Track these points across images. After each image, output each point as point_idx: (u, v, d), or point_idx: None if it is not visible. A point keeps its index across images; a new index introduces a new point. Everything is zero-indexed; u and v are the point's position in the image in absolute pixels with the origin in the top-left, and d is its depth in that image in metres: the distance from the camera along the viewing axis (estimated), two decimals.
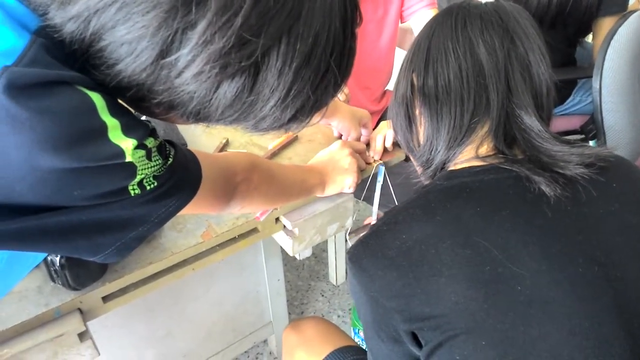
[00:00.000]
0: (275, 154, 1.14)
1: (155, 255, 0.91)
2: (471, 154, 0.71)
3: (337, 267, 1.80)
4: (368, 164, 1.11)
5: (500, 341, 0.58)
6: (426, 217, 0.65)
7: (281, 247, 1.18)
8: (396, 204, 1.24)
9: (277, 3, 0.41)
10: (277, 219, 1.03)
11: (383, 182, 1.11)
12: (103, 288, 0.86)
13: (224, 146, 1.17)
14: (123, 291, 0.90)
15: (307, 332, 1.05)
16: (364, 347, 1.06)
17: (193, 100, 0.44)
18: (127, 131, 0.44)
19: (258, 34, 0.41)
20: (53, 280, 0.84)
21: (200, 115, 0.46)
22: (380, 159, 1.12)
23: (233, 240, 0.99)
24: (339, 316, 1.74)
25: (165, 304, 1.26)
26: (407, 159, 1.20)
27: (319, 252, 1.99)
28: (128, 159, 0.45)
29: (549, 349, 0.58)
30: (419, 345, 0.66)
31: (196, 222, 0.98)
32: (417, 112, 0.78)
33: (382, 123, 1.14)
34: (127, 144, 0.45)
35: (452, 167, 0.73)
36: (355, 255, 0.69)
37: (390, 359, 0.74)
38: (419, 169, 0.84)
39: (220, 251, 0.98)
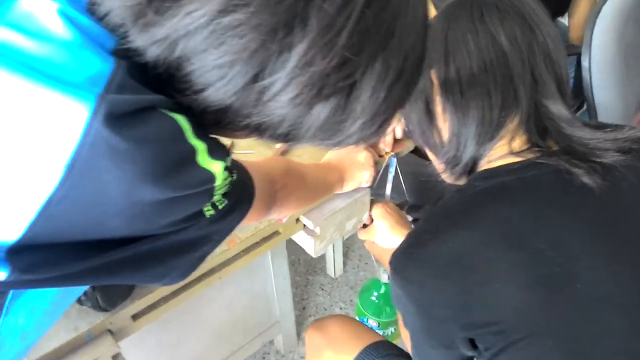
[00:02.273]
0: (285, 152, 1.12)
1: None
2: (505, 150, 0.71)
3: (334, 260, 1.80)
4: (380, 156, 1.10)
5: (566, 341, 0.59)
6: (471, 223, 0.65)
7: (300, 245, 1.17)
8: (406, 196, 1.26)
9: (376, 20, 0.39)
10: (297, 220, 1.01)
11: (394, 174, 1.11)
12: (132, 306, 0.83)
13: (230, 147, 1.14)
14: (152, 307, 0.87)
15: (333, 331, 1.04)
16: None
17: (284, 122, 0.42)
18: (213, 154, 0.42)
19: (358, 52, 0.39)
20: (80, 302, 0.81)
21: (289, 137, 0.44)
22: (391, 150, 1.12)
23: (256, 244, 0.97)
24: (341, 308, 1.75)
25: (178, 313, 1.22)
26: (417, 154, 1.20)
27: None
28: (218, 182, 0.43)
29: (614, 344, 0.59)
30: (475, 347, 0.66)
31: None
32: (438, 108, 0.75)
33: None
34: (217, 167, 0.43)
35: (485, 165, 0.72)
36: (399, 267, 0.68)
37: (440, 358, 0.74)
38: (440, 167, 0.81)
39: (244, 257, 0.96)
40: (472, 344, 0.65)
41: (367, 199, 1.08)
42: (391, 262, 0.69)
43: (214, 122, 0.44)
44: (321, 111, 0.41)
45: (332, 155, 1.02)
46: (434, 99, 0.76)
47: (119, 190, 0.37)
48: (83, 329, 0.80)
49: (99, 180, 0.37)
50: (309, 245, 1.03)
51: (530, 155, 0.67)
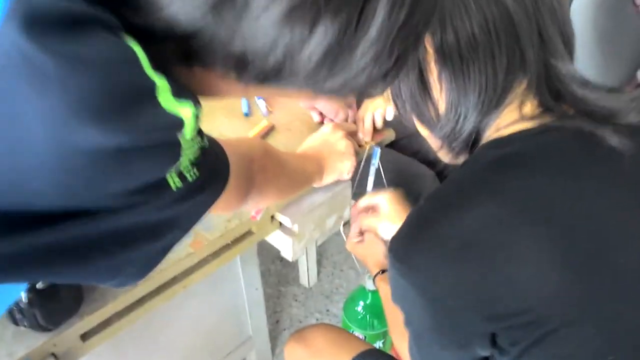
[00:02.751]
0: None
1: None
2: (515, 116, 0.62)
3: (308, 268, 1.69)
4: (360, 146, 1.00)
5: (610, 327, 0.51)
6: (487, 197, 0.55)
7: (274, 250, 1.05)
8: (385, 186, 1.16)
9: None
10: (272, 217, 0.90)
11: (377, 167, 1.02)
12: (81, 324, 0.70)
13: None
14: (105, 325, 0.74)
15: (316, 342, 0.92)
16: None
17: (276, 49, 0.31)
18: (178, 94, 0.31)
19: None
20: (15, 322, 0.67)
21: (281, 73, 0.33)
22: (371, 140, 1.02)
23: (226, 247, 0.85)
24: (317, 319, 1.63)
25: (134, 336, 1.08)
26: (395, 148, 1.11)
27: None
28: (187, 134, 0.32)
29: None
30: (494, 345, 0.56)
31: None
32: (433, 76, 0.67)
33: (367, 101, 1.04)
34: (186, 112, 0.31)
35: (493, 134, 0.64)
36: (403, 253, 0.58)
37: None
38: (436, 144, 0.72)
39: (213, 262, 0.84)
40: (493, 341, 0.55)
41: (349, 192, 0.98)
42: (391, 249, 0.58)
43: (181, 56, 0.33)
44: (326, 31, 0.31)
45: (309, 144, 0.92)
46: (428, 68, 0.66)
47: (43, 130, 0.26)
48: (20, 353, 0.66)
49: (13, 114, 0.25)
50: (287, 246, 0.91)
51: (545, 120, 0.59)
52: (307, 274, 1.70)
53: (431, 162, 1.38)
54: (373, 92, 0.41)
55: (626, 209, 0.53)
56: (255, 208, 0.66)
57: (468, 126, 0.63)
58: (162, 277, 0.76)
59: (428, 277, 0.55)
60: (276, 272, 1.80)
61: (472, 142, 0.64)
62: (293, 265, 1.81)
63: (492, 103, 0.61)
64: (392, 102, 0.74)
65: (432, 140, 0.71)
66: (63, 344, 0.69)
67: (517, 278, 0.51)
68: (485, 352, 0.58)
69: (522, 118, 0.60)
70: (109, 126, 0.27)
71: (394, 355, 1.37)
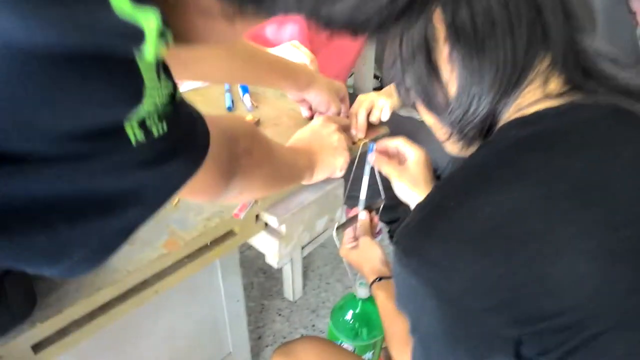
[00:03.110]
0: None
1: (103, 277, 0.66)
2: (537, 95, 0.55)
3: (293, 281, 1.59)
4: (353, 143, 0.93)
5: None
6: (514, 180, 0.48)
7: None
8: (381, 193, 1.08)
9: None
10: (257, 217, 0.81)
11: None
12: (33, 332, 0.60)
13: None
14: (62, 334, 0.64)
15: (303, 357, 0.83)
16: None
17: None
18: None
19: None
20: None
21: None
22: (365, 137, 0.95)
23: (205, 249, 0.76)
24: (302, 335, 1.53)
25: (102, 349, 0.97)
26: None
27: (268, 267, 1.76)
28: (148, 52, 0.24)
29: None
30: (518, 356, 0.48)
31: (153, 228, 0.73)
32: (443, 56, 0.60)
33: (360, 96, 0.97)
34: (148, 22, 0.23)
35: (514, 114, 0.56)
36: (413, 247, 0.50)
37: None
38: (443, 134, 0.64)
39: (189, 264, 0.74)
40: (516, 350, 0.47)
41: (341, 192, 0.90)
42: (399, 243, 0.50)
43: None
44: None
45: (299, 137, 0.84)
46: (437, 47, 0.59)
47: None
48: None
49: None
50: (272, 249, 0.83)
51: (574, 98, 0.52)
52: (292, 287, 1.61)
53: None
54: (381, 35, 0.33)
55: None
56: (237, 199, 0.58)
57: (483, 109, 0.56)
58: (130, 280, 0.67)
59: (443, 273, 0.46)
60: (259, 285, 1.70)
61: (487, 127, 0.57)
62: (277, 278, 1.71)
63: (512, 82, 0.55)
64: (395, 89, 0.67)
65: (439, 129, 0.64)
66: (11, 355, 0.59)
67: (551, 272, 0.43)
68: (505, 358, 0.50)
69: (547, 96, 0.53)
70: (31, 12, 0.19)
71: None
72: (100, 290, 0.64)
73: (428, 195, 0.52)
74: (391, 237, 1.36)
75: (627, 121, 0.49)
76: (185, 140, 0.35)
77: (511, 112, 0.55)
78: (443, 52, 0.58)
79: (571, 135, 0.49)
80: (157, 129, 0.29)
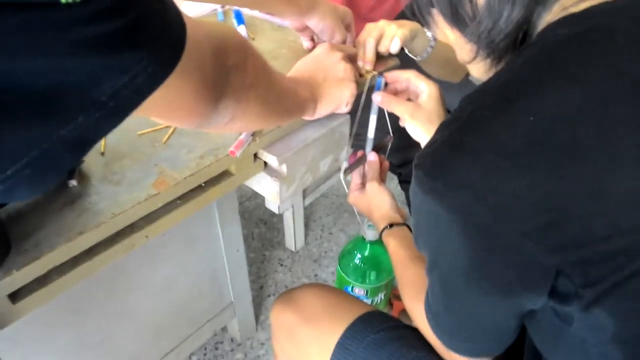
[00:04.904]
0: None
1: (85, 220, 0.59)
2: None
3: (295, 230, 1.54)
4: (360, 76, 0.84)
5: None
6: (564, 82, 0.40)
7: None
8: (389, 130, 1.00)
9: None
10: (256, 156, 0.74)
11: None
12: (9, 280, 0.54)
13: None
14: (42, 282, 0.58)
15: (308, 305, 0.78)
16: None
17: None
18: None
19: None
20: None
21: None
22: (373, 69, 0.86)
23: (199, 189, 0.69)
24: None
25: (96, 300, 0.93)
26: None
27: (268, 217, 1.71)
28: None
29: None
30: (555, 293, 0.42)
31: (141, 167, 0.66)
32: None
33: (368, 25, 0.88)
34: None
35: (558, 15, 0.47)
36: (437, 168, 0.42)
37: (484, 319, 0.50)
38: (469, 52, 0.55)
39: (182, 207, 0.68)
40: (554, 283, 0.41)
41: (347, 129, 0.82)
42: (420, 166, 0.43)
43: None
44: None
45: (300, 67, 0.76)
46: None
47: None
48: None
49: None
50: (273, 192, 0.76)
51: None
52: (293, 237, 1.56)
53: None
54: None
55: None
56: (230, 128, 0.50)
57: (518, 13, 0.47)
58: (115, 223, 0.60)
59: (474, 194, 0.39)
60: (259, 235, 1.65)
61: (522, 36, 0.49)
62: (278, 229, 1.66)
63: None
64: (415, 10, 0.59)
65: (462, 47, 0.56)
66: None
67: (607, 187, 0.37)
68: (537, 303, 0.44)
69: None
70: None
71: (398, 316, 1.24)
72: (83, 234, 0.58)
73: (455, 110, 0.44)
74: (401, 182, 1.29)
75: None
76: (151, 25, 0.27)
77: (555, 12, 0.46)
78: None
79: (630, 33, 0.41)
80: None
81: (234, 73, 0.44)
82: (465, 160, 0.40)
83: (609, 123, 0.37)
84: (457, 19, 0.53)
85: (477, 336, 0.52)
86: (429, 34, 0.95)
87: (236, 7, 1.01)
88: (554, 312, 0.44)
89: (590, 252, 0.38)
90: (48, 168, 0.27)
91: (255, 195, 1.79)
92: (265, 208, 1.75)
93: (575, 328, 0.43)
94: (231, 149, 0.68)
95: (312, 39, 0.90)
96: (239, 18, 0.98)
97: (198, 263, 1.11)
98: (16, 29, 0.20)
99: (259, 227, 1.68)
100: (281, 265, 1.55)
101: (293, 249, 1.59)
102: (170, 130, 0.72)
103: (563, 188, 0.37)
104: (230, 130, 0.63)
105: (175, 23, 0.31)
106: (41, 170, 0.26)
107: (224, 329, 1.36)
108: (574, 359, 0.47)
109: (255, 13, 1.05)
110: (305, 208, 1.60)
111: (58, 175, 0.28)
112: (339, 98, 0.74)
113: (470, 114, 0.42)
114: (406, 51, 0.94)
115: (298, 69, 0.75)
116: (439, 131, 0.44)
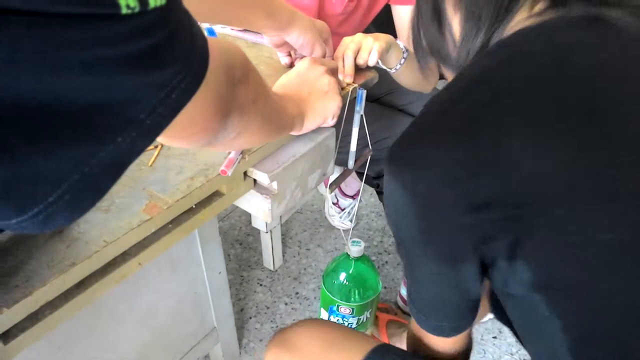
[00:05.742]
0: None
1: (76, 250, 0.57)
2: (523, 16, 0.54)
3: (273, 249, 1.52)
4: (342, 88, 0.85)
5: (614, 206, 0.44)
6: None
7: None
8: (369, 144, 1.01)
9: None
10: (245, 174, 0.73)
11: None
12: (0, 318, 0.50)
13: None
14: (34, 318, 0.54)
15: (306, 346, 0.74)
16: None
17: None
18: None
19: None
20: None
21: None
22: (353, 82, 0.87)
23: (190, 211, 0.67)
24: (286, 304, 1.47)
25: (77, 337, 0.88)
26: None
27: (244, 237, 1.68)
28: None
29: None
30: (486, 258, 0.51)
31: (130, 192, 0.64)
32: (449, 6, 0.59)
33: (346, 38, 0.89)
34: None
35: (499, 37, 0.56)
36: (394, 154, 0.51)
37: (442, 292, 0.57)
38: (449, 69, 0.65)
39: (174, 231, 0.66)
40: (480, 244, 0.49)
41: (333, 142, 0.82)
42: (386, 158, 0.52)
43: None
44: None
45: (283, 83, 0.75)
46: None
47: None
48: None
49: None
50: (264, 210, 0.74)
51: (553, 15, 0.52)
52: (271, 255, 1.53)
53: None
54: None
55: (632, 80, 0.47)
56: (233, 144, 0.49)
57: (478, 42, 0.56)
58: (108, 252, 0.58)
59: (417, 170, 0.48)
60: (236, 256, 1.62)
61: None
62: (254, 248, 1.64)
63: (503, 8, 0.55)
64: (413, 50, 0.66)
65: (448, 73, 0.66)
66: None
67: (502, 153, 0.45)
68: (473, 266, 0.51)
69: (530, 16, 0.53)
70: None
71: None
72: (75, 265, 0.55)
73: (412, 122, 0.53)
74: (378, 193, 1.30)
75: (600, 26, 0.49)
76: (184, 37, 0.26)
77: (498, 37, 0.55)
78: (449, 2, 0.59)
79: (538, 48, 0.49)
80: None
81: (239, 88, 0.44)
82: (410, 146, 0.50)
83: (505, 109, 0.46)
84: (442, 58, 0.63)
85: (440, 312, 0.59)
86: (401, 46, 0.96)
87: (208, 25, 1.00)
88: (497, 283, 0.52)
89: (501, 212, 0.45)
90: (87, 192, 0.25)
91: (229, 216, 1.77)
92: (240, 228, 1.72)
93: (511, 288, 0.50)
94: (222, 168, 0.67)
95: (290, 54, 0.90)
96: (212, 35, 0.97)
97: (179, 288, 1.08)
98: (68, 43, 0.19)
99: (235, 247, 1.65)
100: (260, 285, 1.53)
101: (272, 268, 1.57)
102: (156, 153, 0.70)
103: (470, 156, 0.45)
104: (233, 147, 0.62)
105: (200, 35, 0.30)
106: (81, 195, 0.25)
107: (207, 357, 1.32)
108: (526, 321, 0.54)
109: (227, 30, 1.04)
110: (281, 225, 1.59)
111: (96, 200, 0.26)
112: (325, 112, 0.74)
113: (421, 117, 0.52)
114: (379, 63, 0.95)
115: (282, 85, 0.75)
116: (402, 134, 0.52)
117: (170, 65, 0.25)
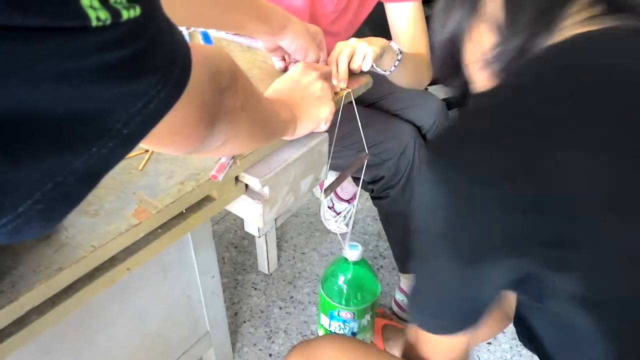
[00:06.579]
0: None
1: (64, 255, 0.56)
2: (575, 20, 0.52)
3: (268, 252, 1.51)
4: (335, 93, 0.84)
5: None
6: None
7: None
8: (365, 147, 1.01)
9: None
10: (237, 178, 0.72)
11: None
12: None
13: None
14: (20, 324, 0.54)
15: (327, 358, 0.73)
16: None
17: None
18: None
19: None
20: None
21: None
22: (347, 87, 0.86)
23: (180, 216, 0.67)
24: (280, 308, 1.46)
25: (66, 340, 0.87)
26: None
27: (239, 241, 1.67)
28: None
29: None
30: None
31: (119, 197, 0.64)
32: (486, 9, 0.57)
33: (339, 43, 0.88)
34: None
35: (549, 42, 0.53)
36: (437, 146, 0.50)
37: (449, 290, 0.53)
38: (474, 67, 0.62)
39: (163, 236, 0.65)
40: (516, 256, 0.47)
41: (326, 147, 0.82)
42: (429, 146, 0.53)
43: None
44: None
45: (276, 88, 0.75)
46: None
47: None
48: None
49: None
50: (256, 215, 0.74)
51: (610, 24, 0.50)
52: (266, 259, 1.53)
53: (412, 120, 1.26)
54: None
55: None
56: (221, 151, 0.49)
57: (513, 45, 0.54)
58: (96, 257, 0.57)
59: (462, 169, 0.46)
60: (231, 260, 1.61)
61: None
62: (249, 252, 1.63)
63: (546, 17, 0.53)
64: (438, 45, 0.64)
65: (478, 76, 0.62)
66: None
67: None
68: (497, 279, 0.49)
69: (583, 21, 0.51)
70: None
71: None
72: (62, 270, 0.55)
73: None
74: (373, 198, 1.30)
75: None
76: (163, 46, 0.26)
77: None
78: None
79: (595, 58, 0.48)
80: (124, 6, 0.21)
81: (226, 95, 0.43)
82: (458, 145, 0.47)
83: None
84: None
85: (442, 311, 0.56)
86: (395, 48, 0.96)
87: (203, 29, 1.00)
88: (532, 297, 0.50)
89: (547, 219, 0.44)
90: (61, 202, 0.25)
91: (224, 219, 1.76)
92: (235, 232, 1.71)
93: (548, 303, 0.48)
94: (213, 173, 0.66)
95: (284, 59, 0.90)
96: (207, 39, 0.97)
97: (171, 292, 1.07)
98: (41, 55, 0.19)
99: (230, 251, 1.65)
100: (255, 289, 1.52)
101: (266, 272, 1.56)
102: (147, 157, 0.69)
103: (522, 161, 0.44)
104: (222, 153, 0.61)
105: (183, 43, 0.30)
106: (54, 205, 0.24)
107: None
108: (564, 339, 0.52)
109: (222, 34, 1.04)
110: (276, 229, 1.58)
111: (69, 210, 0.26)
112: (317, 117, 0.74)
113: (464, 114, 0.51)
114: (374, 66, 0.95)
115: (275, 90, 0.75)
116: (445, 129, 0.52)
117: (149, 75, 0.25)
